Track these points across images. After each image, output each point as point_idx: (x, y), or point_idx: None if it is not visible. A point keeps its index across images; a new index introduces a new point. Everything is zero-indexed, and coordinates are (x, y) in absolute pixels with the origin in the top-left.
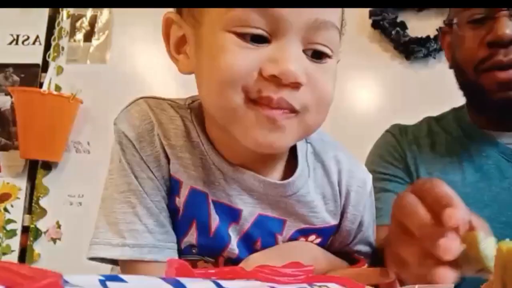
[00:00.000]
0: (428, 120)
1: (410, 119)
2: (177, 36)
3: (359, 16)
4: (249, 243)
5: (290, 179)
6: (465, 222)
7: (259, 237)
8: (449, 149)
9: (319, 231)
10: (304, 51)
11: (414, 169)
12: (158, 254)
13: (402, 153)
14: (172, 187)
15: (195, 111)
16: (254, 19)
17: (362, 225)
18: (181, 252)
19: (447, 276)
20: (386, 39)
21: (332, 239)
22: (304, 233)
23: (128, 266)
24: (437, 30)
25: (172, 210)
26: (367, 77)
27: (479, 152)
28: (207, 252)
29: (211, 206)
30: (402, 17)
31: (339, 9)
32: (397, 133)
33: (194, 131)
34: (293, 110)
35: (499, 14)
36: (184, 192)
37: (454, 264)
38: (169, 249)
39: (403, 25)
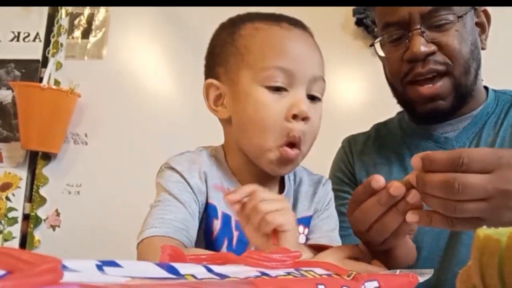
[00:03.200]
0: (377, 125)
1: (390, 109)
2: (215, 95)
3: (344, 15)
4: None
5: (282, 194)
6: None
7: None
8: (394, 150)
9: (303, 221)
10: (306, 96)
11: (360, 177)
12: (181, 237)
13: (350, 167)
14: (210, 211)
15: (216, 156)
16: (278, 76)
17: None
18: None
19: (414, 194)
20: (369, 36)
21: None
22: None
23: (150, 243)
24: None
25: (209, 232)
26: (351, 72)
27: (417, 147)
28: None
29: (234, 224)
30: None
31: (323, 63)
32: (347, 145)
33: (220, 173)
34: (300, 148)
35: (412, 32)
36: (219, 215)
37: None
38: (188, 239)
39: None
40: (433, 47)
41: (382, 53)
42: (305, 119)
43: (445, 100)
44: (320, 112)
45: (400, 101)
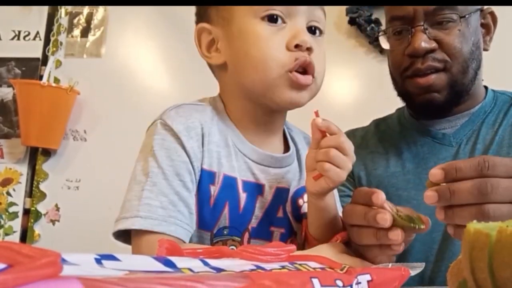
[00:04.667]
0: (377, 121)
1: (383, 107)
2: (208, 40)
3: (337, 14)
4: (274, 211)
5: (289, 152)
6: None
7: (280, 204)
8: (392, 143)
9: (305, 189)
10: (308, 28)
11: (357, 170)
12: (167, 227)
13: None
14: (205, 178)
15: (216, 107)
16: (273, 5)
17: None
18: (213, 235)
19: (397, 234)
20: (362, 35)
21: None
22: (298, 194)
23: (138, 236)
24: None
25: (206, 198)
26: (344, 71)
27: (415, 142)
28: (236, 229)
29: (240, 186)
30: (376, 14)
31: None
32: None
33: (222, 126)
34: (313, 75)
35: (415, 28)
36: (218, 180)
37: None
38: (177, 225)
39: (377, 22)
40: (433, 44)
41: (386, 46)
42: (308, 49)
43: (440, 93)
44: (324, 48)
45: (400, 93)
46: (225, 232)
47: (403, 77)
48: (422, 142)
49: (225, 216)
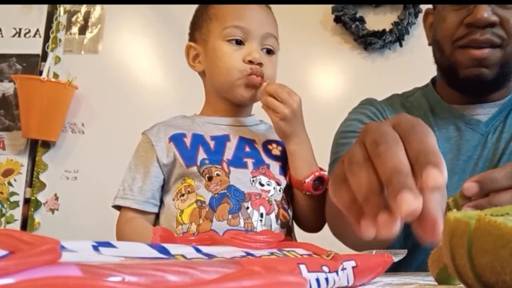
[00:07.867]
0: (397, 97)
1: None
2: (193, 54)
3: (323, 12)
4: (242, 149)
5: (249, 117)
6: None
7: (246, 144)
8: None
9: (277, 142)
10: (261, 49)
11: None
12: (121, 201)
13: (384, 113)
14: (177, 137)
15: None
16: (236, 32)
17: None
18: (199, 167)
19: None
20: (347, 32)
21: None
22: (269, 142)
23: (120, 216)
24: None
25: (182, 144)
26: (330, 66)
27: (447, 125)
28: (215, 160)
29: (208, 138)
30: (361, 12)
31: (276, 26)
32: (374, 101)
33: (193, 117)
34: (262, 80)
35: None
36: (188, 135)
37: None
38: (127, 199)
39: (362, 20)
40: (495, 18)
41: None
42: (259, 64)
43: (489, 70)
44: (275, 64)
45: (444, 65)
46: (206, 162)
47: (455, 47)
48: (454, 127)
49: (201, 152)
